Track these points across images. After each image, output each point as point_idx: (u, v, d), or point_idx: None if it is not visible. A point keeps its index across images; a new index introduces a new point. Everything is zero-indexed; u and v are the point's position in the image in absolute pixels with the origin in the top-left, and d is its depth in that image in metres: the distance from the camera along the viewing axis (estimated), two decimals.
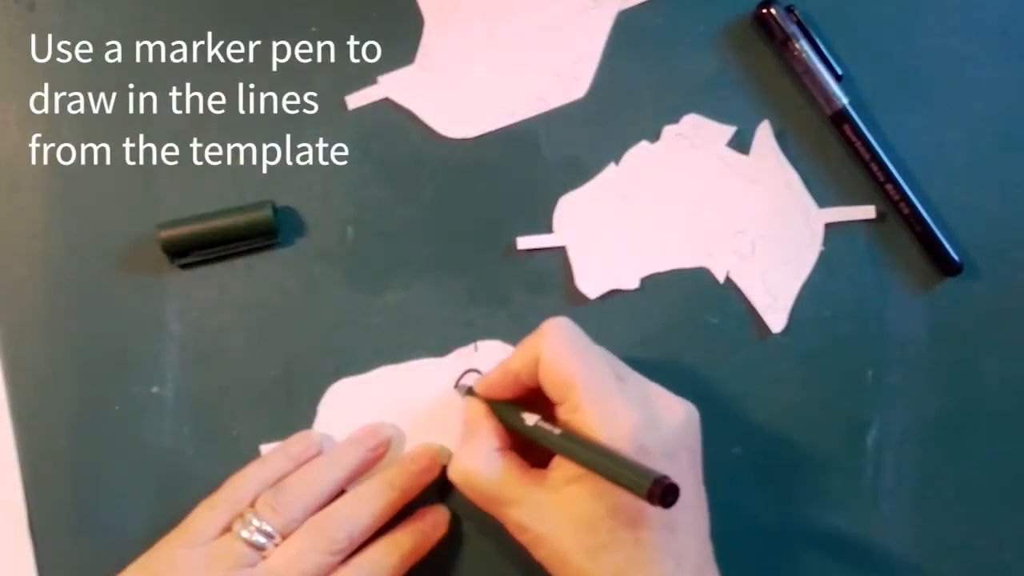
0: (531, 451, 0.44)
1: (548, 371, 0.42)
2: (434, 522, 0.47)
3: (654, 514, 0.40)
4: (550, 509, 0.41)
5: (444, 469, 0.47)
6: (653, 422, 0.41)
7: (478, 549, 0.48)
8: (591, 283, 0.49)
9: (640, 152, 0.49)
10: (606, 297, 0.49)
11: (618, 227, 0.49)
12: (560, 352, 0.42)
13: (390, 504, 0.45)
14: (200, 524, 0.44)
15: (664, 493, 0.36)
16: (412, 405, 0.48)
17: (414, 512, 0.47)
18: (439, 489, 0.48)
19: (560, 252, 0.49)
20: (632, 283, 0.49)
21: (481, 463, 0.43)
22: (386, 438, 0.47)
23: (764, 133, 0.49)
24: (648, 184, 0.49)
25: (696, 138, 0.49)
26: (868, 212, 0.49)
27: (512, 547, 0.44)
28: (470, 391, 0.46)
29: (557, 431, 0.41)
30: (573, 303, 0.49)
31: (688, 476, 0.42)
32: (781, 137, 0.49)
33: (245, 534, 0.43)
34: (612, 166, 0.49)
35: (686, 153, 0.49)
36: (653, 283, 0.49)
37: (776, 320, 0.49)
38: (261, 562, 0.43)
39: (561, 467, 0.42)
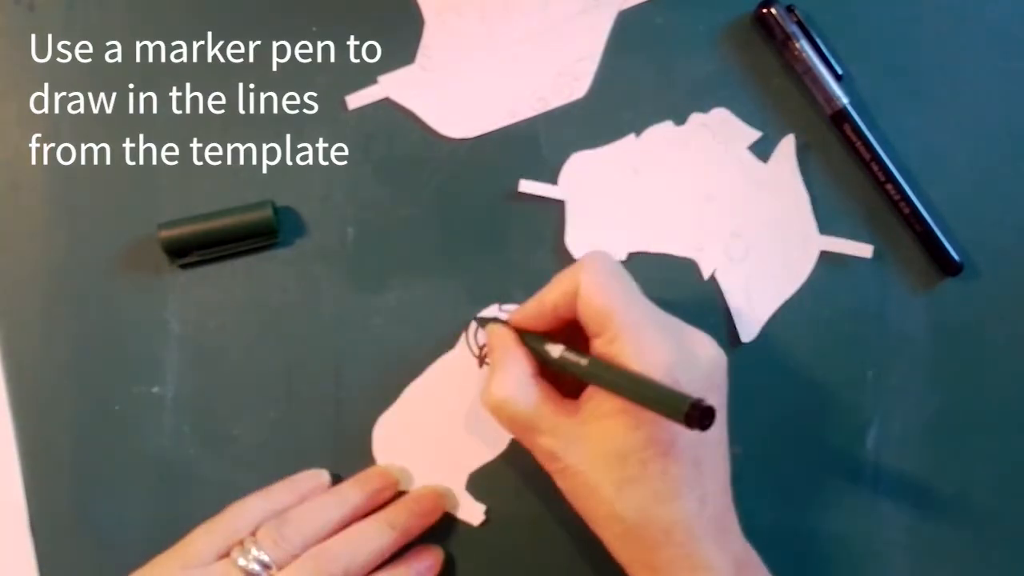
0: (557, 384, 0.44)
1: (587, 301, 0.42)
2: (429, 562, 0.47)
3: (684, 449, 0.41)
4: (582, 440, 0.42)
5: (445, 514, 0.48)
6: (687, 359, 0.41)
7: None
8: (579, 243, 0.49)
9: (662, 131, 0.49)
10: None
11: (620, 197, 0.49)
12: (600, 283, 0.42)
13: (389, 544, 0.45)
14: (197, 547, 0.44)
15: (702, 415, 0.37)
16: (453, 404, 0.48)
17: (409, 551, 0.47)
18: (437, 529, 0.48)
19: (561, 247, 0.49)
20: (619, 255, 0.49)
21: (516, 389, 0.43)
22: (394, 480, 0.47)
23: (787, 146, 0.49)
24: (662, 163, 0.49)
25: (720, 133, 0.49)
26: (865, 250, 0.49)
27: None
28: (487, 321, 0.47)
29: (584, 361, 0.42)
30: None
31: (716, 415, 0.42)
32: (803, 152, 0.49)
33: (242, 562, 0.43)
34: (632, 137, 0.49)
35: (706, 144, 0.49)
36: (639, 261, 0.49)
37: (748, 329, 0.49)
38: None
39: (594, 399, 0.42)
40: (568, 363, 0.42)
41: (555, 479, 0.43)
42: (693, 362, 0.41)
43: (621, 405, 0.41)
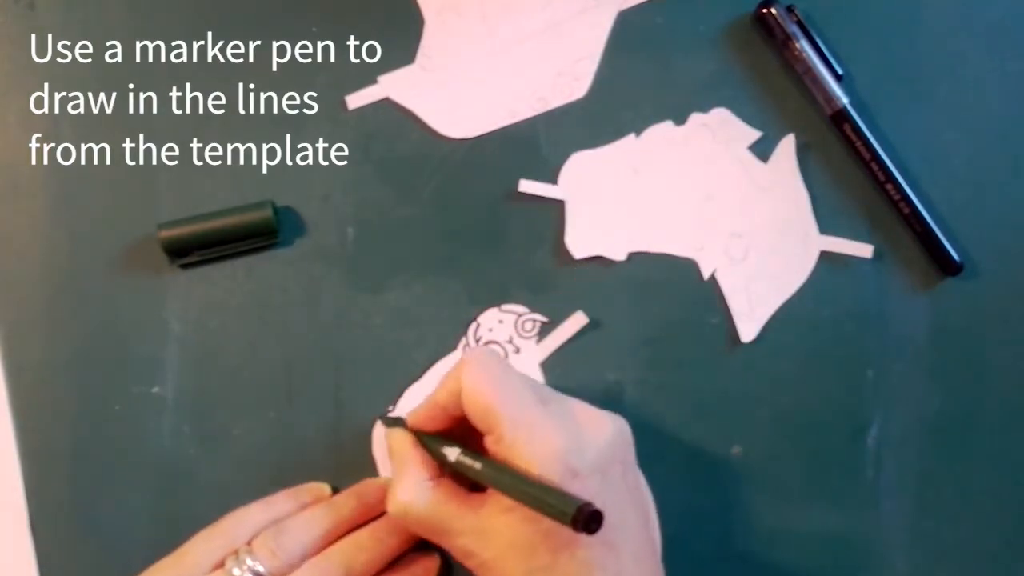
0: (465, 479, 0.44)
1: (470, 402, 0.42)
2: (424, 569, 0.47)
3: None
4: (491, 534, 0.41)
5: None
6: (580, 442, 0.41)
7: None
8: (580, 244, 0.49)
9: (662, 131, 0.49)
10: (591, 262, 0.49)
11: (620, 197, 0.49)
12: (481, 382, 0.42)
13: (387, 553, 0.45)
14: (195, 555, 0.44)
15: (588, 520, 0.37)
16: None
17: (404, 557, 0.46)
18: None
19: (561, 247, 0.49)
20: (619, 255, 0.49)
21: (415, 495, 0.43)
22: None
23: (787, 145, 0.49)
24: (662, 164, 0.49)
25: (720, 132, 0.49)
26: (865, 250, 0.49)
27: None
28: (393, 422, 0.46)
29: (478, 465, 0.42)
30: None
31: (621, 490, 0.42)
32: (803, 152, 0.49)
33: (237, 572, 0.43)
34: (632, 137, 0.49)
35: (706, 144, 0.49)
36: (639, 261, 0.49)
37: (748, 329, 0.49)
38: None
39: (496, 493, 0.42)
40: (463, 467, 0.42)
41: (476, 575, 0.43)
42: (587, 444, 0.41)
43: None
